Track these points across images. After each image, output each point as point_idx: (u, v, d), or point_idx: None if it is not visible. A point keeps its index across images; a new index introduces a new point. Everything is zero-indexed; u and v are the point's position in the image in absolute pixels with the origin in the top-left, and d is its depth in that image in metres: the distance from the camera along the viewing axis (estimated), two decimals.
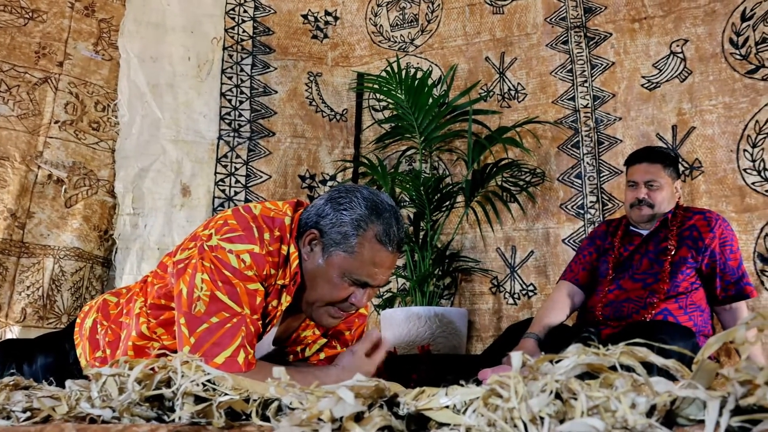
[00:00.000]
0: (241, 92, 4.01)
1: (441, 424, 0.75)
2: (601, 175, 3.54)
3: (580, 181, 3.58)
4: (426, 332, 3.24)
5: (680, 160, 3.32)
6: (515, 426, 0.65)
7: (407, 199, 3.82)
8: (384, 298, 3.70)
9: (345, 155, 4.10)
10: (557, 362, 0.77)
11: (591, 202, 3.53)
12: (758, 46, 3.25)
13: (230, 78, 4.01)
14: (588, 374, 0.79)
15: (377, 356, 1.73)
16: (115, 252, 3.69)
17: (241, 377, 1.07)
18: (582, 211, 3.54)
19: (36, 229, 3.48)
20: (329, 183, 4.04)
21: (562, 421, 0.67)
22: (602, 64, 3.65)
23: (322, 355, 1.88)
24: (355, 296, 1.63)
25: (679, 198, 2.70)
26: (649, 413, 0.71)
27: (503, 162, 3.65)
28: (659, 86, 3.49)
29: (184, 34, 3.97)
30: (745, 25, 3.31)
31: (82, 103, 3.72)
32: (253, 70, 4.06)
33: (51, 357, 1.88)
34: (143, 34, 3.90)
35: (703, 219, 2.57)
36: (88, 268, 3.61)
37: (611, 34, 3.66)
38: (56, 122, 3.61)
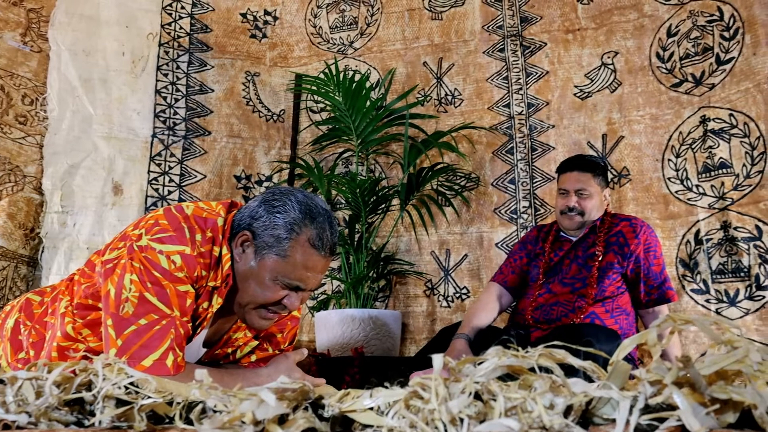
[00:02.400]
0: (177, 90, 3.94)
1: (365, 426, 0.76)
2: (534, 180, 3.62)
3: (513, 187, 3.66)
4: (360, 334, 3.25)
5: (609, 167, 3.43)
6: (436, 428, 0.67)
7: (343, 202, 3.83)
8: (318, 300, 3.70)
9: (281, 156, 4.08)
10: (479, 364, 0.79)
11: (524, 207, 3.61)
12: (682, 61, 3.39)
13: (166, 75, 3.93)
14: (510, 376, 0.82)
15: (314, 379, 1.71)
16: (42, 251, 3.57)
17: (166, 380, 1.06)
18: (515, 216, 3.61)
19: None
20: (265, 184, 4.01)
21: (482, 422, 0.69)
22: (537, 73, 3.74)
23: (253, 358, 1.86)
24: (288, 299, 1.62)
25: (607, 205, 2.79)
26: (567, 413, 0.73)
27: (439, 166, 3.69)
28: (591, 96, 3.60)
29: (118, 29, 3.87)
30: (670, 40, 3.44)
31: (8, 95, 3.59)
32: (189, 68, 4.00)
33: None
34: (75, 26, 3.79)
35: (629, 226, 2.66)
36: (12, 268, 3.48)
37: (546, 44, 3.75)
38: None
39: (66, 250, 3.56)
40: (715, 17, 3.32)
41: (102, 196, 3.65)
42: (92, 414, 0.86)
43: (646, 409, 0.70)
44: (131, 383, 0.88)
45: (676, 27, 3.43)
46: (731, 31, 3.25)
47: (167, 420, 0.87)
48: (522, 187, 3.64)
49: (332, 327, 3.31)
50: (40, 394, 0.85)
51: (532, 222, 3.56)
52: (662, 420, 0.68)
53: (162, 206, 3.65)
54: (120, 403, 0.85)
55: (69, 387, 0.87)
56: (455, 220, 3.74)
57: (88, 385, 0.88)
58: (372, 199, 3.56)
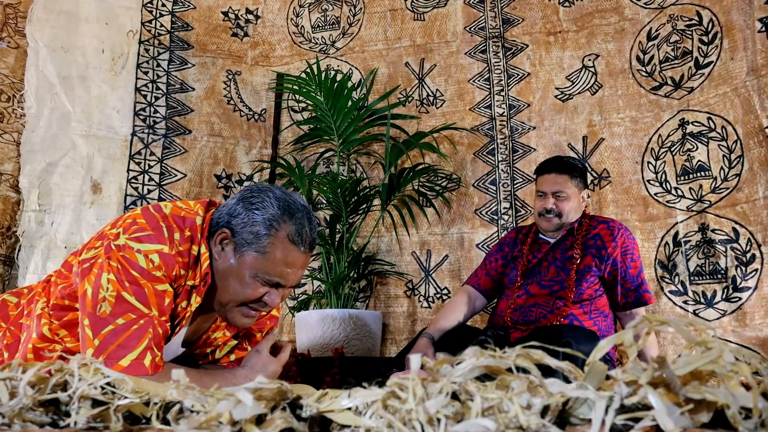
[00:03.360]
0: (157, 88, 3.91)
1: (342, 426, 0.75)
2: (515, 182, 3.64)
3: (494, 188, 3.67)
4: (340, 335, 3.24)
5: (590, 169, 3.45)
6: (413, 428, 0.67)
7: (324, 202, 3.82)
8: (299, 300, 3.69)
9: (262, 155, 4.06)
10: (457, 364, 0.79)
11: (504, 208, 3.63)
12: (662, 65, 3.42)
13: (146, 73, 3.90)
14: (488, 377, 0.82)
15: (282, 355, 1.72)
16: (19, 250, 3.52)
17: (144, 380, 1.05)
18: (496, 217, 3.63)
19: None
20: (246, 183, 3.99)
21: (459, 422, 0.69)
22: (518, 75, 3.76)
23: (232, 357, 1.86)
24: (269, 296, 1.61)
25: (586, 207, 2.80)
26: (544, 413, 0.74)
27: (420, 167, 3.70)
28: (572, 98, 3.63)
29: (98, 26, 3.83)
30: (650, 44, 3.47)
31: None
32: (170, 66, 3.97)
33: None
34: (54, 22, 3.74)
35: (606, 228, 2.67)
36: None
37: (527, 46, 3.77)
38: None
39: (43, 249, 3.52)
40: (694, 21, 3.36)
41: (80, 195, 3.61)
42: (67, 415, 0.84)
43: (622, 409, 0.71)
44: (108, 383, 0.87)
45: (656, 31, 3.46)
46: (710, 36, 3.29)
47: (144, 420, 0.86)
48: (503, 188, 3.66)
49: (312, 327, 3.30)
50: (14, 395, 0.84)
51: (512, 223, 3.58)
52: (637, 420, 0.68)
53: (141, 205, 3.63)
54: (96, 403, 0.84)
55: (44, 387, 0.86)
56: (436, 221, 3.75)
57: (64, 386, 0.87)
58: (353, 200, 3.56)
